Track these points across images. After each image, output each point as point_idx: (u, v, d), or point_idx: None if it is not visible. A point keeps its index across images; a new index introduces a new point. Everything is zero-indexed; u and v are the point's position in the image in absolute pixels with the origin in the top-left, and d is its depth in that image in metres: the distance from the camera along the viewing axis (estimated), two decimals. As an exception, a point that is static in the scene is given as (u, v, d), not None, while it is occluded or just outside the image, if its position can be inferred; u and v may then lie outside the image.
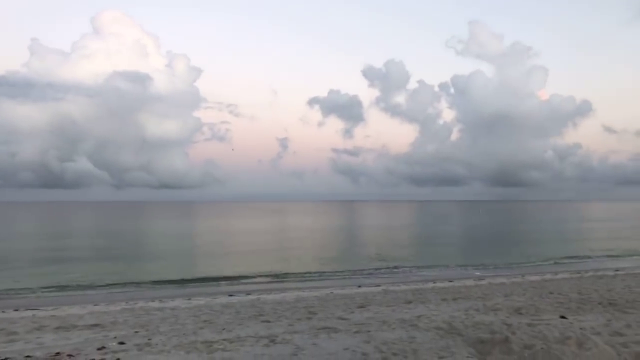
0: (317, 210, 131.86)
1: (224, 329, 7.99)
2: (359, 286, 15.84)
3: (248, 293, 15.06)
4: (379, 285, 15.73)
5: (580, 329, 7.06)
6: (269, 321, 8.59)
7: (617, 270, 17.98)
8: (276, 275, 20.04)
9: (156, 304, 12.40)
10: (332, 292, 13.32)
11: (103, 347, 6.82)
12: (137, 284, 18.35)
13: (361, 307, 9.93)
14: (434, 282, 16.43)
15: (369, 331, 7.31)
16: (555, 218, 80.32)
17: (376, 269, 21.99)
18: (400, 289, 13.51)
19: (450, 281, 16.80)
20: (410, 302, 10.29)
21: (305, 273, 20.69)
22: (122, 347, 6.86)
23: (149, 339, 7.30)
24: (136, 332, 8.02)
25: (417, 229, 54.79)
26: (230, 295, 14.43)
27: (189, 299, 13.52)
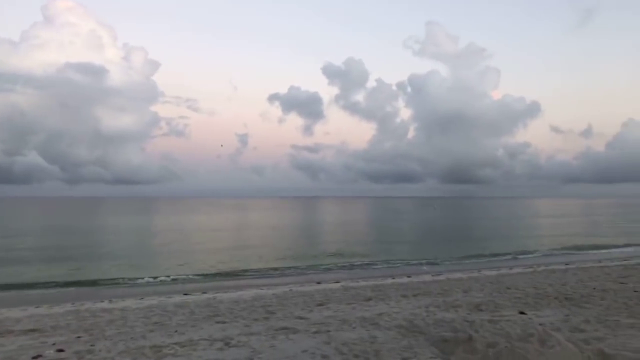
0: (276, 206, 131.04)
1: (175, 332, 7.50)
2: (319, 283, 15.59)
3: (204, 291, 14.50)
4: (338, 282, 15.54)
5: (540, 324, 7.05)
6: (224, 322, 8.16)
7: (567, 264, 18.57)
8: (234, 273, 19.50)
9: (105, 305, 11.69)
10: (291, 290, 12.99)
11: (39, 356, 6.20)
12: (87, 283, 17.38)
13: (320, 305, 9.66)
14: (393, 278, 16.40)
15: (328, 331, 7.04)
16: (507, 214, 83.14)
17: (335, 265, 21.85)
18: (359, 285, 13.34)
19: (409, 276, 16.83)
20: (370, 299, 10.10)
21: (264, 270, 20.28)
22: (61, 355, 6.27)
23: (92, 345, 6.72)
24: (78, 337, 7.40)
25: (375, 225, 55.28)
26: (185, 294, 13.83)
27: (141, 299, 12.85)
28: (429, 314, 8.15)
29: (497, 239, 35.33)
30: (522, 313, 8.00)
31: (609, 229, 45.61)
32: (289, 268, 20.73)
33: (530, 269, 16.42)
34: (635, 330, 6.67)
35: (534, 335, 5.95)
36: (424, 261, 22.76)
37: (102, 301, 12.68)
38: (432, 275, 16.54)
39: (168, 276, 18.57)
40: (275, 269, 20.60)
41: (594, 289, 10.38)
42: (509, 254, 25.28)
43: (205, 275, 18.87)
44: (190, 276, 18.70)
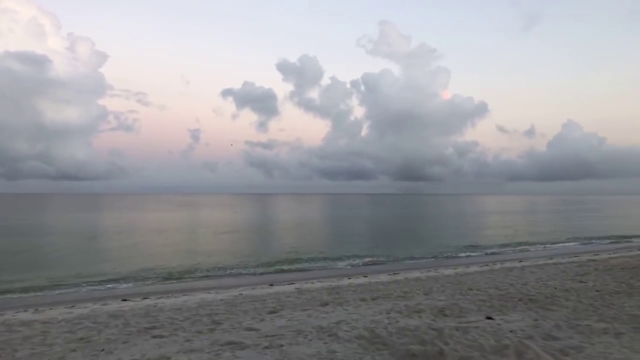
0: (229, 203, 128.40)
1: (102, 350, 6.43)
2: (271, 285, 14.72)
3: (145, 296, 13.30)
4: (293, 283, 14.74)
5: (511, 331, 6.53)
6: (162, 336, 7.14)
7: (521, 261, 18.65)
8: (180, 275, 18.23)
9: (27, 316, 10.33)
10: (241, 294, 12.04)
11: None
12: (15, 290, 15.64)
13: (273, 312, 8.80)
14: (349, 278, 15.78)
15: (281, 345, 6.20)
16: (457, 211, 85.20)
17: (289, 264, 21.01)
18: (315, 287, 12.58)
19: (365, 276, 16.27)
20: (327, 304, 9.34)
21: (213, 271, 19.14)
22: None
23: (-6, 372, 5.58)
24: (-20, 360, 6.20)
25: (329, 223, 54.83)
26: (124, 300, 12.60)
27: (72, 307, 11.53)
28: (391, 321, 7.48)
29: (450, 236, 35.66)
30: (489, 318, 7.47)
31: (553, 224, 47.30)
32: (240, 269, 19.70)
33: (487, 267, 16.27)
34: (609, 336, 6.25)
35: (510, 347, 5.38)
36: (381, 260, 22.34)
37: (25, 310, 11.28)
38: (389, 275, 16.05)
39: (107, 280, 17.10)
40: (225, 269, 19.49)
41: (555, 288, 10.10)
42: (464, 251, 25.39)
43: (148, 279, 17.51)
44: (132, 279, 17.31)
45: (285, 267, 20.41)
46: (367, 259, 22.35)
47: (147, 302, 11.71)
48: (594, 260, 16.35)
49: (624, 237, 33.06)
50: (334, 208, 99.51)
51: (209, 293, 13.28)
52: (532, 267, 15.14)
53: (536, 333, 6.42)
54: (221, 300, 11.00)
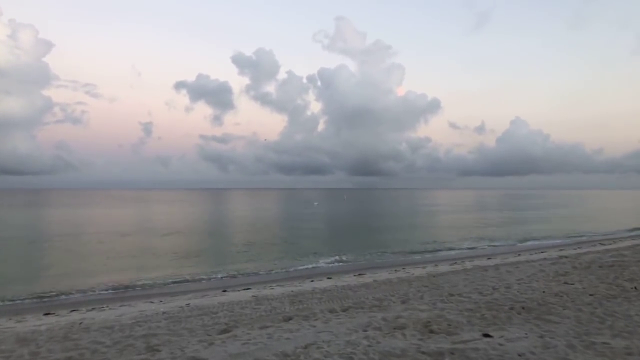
0: (181, 199, 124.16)
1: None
2: (224, 291, 13.08)
3: (74, 308, 11.35)
4: (249, 288, 13.17)
5: (520, 355, 5.32)
6: (77, 373, 5.46)
7: (489, 259, 17.88)
8: (120, 281, 16.17)
9: None
10: (188, 305, 10.35)
11: None
12: None
13: (225, 331, 7.23)
14: (312, 280, 14.38)
15: (235, 386, 4.69)
16: (413, 206, 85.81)
17: (244, 265, 19.37)
18: (274, 295, 11.07)
19: (329, 277, 14.93)
20: (290, 319, 7.86)
21: (159, 273, 17.20)
22: None
23: None
24: None
25: (287, 218, 53.30)
26: (47, 315, 10.63)
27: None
28: (371, 342, 6.11)
29: (410, 232, 35.01)
30: (486, 335, 6.26)
31: (505, 219, 47.87)
32: (190, 271, 17.84)
33: (459, 267, 15.27)
34: (636, 358, 5.16)
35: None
36: (343, 257, 21.08)
37: None
38: (355, 276, 14.77)
39: (33, 292, 14.85)
40: (173, 273, 17.58)
41: (544, 292, 9.08)
42: (426, 248, 24.57)
43: (82, 288, 15.35)
44: (65, 288, 15.14)
45: (239, 267, 18.75)
46: (329, 258, 21.04)
47: (74, 316, 9.82)
48: (565, 257, 15.71)
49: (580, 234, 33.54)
50: (291, 203, 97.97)
51: (152, 302, 11.50)
52: (506, 265, 14.25)
53: (551, 357, 5.23)
54: (164, 313, 9.29)
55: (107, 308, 10.93)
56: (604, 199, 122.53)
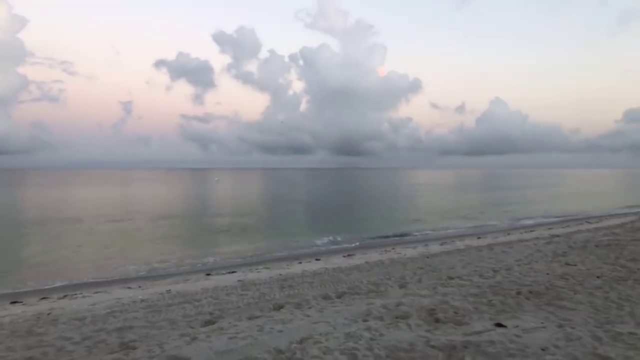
0: (163, 179, 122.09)
1: None
2: (208, 274, 12.38)
3: (45, 296, 10.53)
4: (234, 272, 12.48)
5: (543, 350, 4.76)
6: (38, 377, 4.71)
7: (479, 238, 17.49)
8: (99, 262, 15.30)
9: None
10: (169, 291, 9.61)
11: None
12: None
13: (210, 323, 6.54)
14: (300, 262, 13.77)
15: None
16: (396, 185, 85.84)
17: (228, 246, 18.65)
18: (262, 279, 10.41)
19: (318, 259, 14.33)
20: (281, 307, 7.21)
21: (138, 261, 16.33)
22: None
23: None
24: None
25: (271, 199, 52.56)
26: (14, 303, 9.82)
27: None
28: (374, 334, 5.49)
29: (395, 212, 34.65)
30: (499, 325, 5.69)
31: (489, 198, 47.97)
32: (172, 258, 17.00)
33: (451, 247, 14.80)
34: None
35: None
36: (330, 237, 20.51)
37: None
38: (345, 257, 14.20)
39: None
40: (154, 254, 16.76)
41: (548, 274, 8.60)
42: (412, 227, 24.15)
43: (57, 275, 14.47)
44: (31, 274, 14.22)
45: (224, 250, 18.03)
46: (317, 239, 20.45)
47: (43, 305, 9.02)
48: (558, 236, 15.39)
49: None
50: (275, 183, 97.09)
51: (130, 288, 10.74)
52: (499, 245, 13.81)
53: (578, 352, 4.67)
54: (142, 301, 8.55)
55: (80, 295, 10.13)
56: (582, 179, 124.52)
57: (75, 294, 10.35)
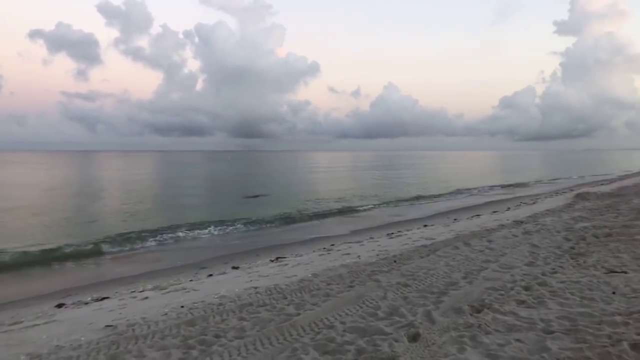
0: (39, 162, 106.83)
1: None
2: (59, 305, 7.73)
3: None
4: (106, 297, 7.96)
5: None
6: None
7: (425, 226, 14.58)
8: None
9: None
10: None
11: None
12: None
13: None
14: (211, 275, 9.63)
15: None
16: (300, 168, 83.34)
17: (119, 245, 13.83)
18: (148, 318, 6.14)
19: (236, 267, 10.30)
20: None
21: None
22: None
23: None
24: None
25: (163, 185, 46.44)
26: None
27: None
28: None
29: (305, 194, 31.36)
30: None
31: (389, 179, 47.00)
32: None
33: (408, 245, 11.39)
34: None
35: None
36: (242, 222, 16.46)
37: None
38: (272, 262, 10.31)
39: None
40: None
41: (614, 293, 5.53)
42: (335, 215, 20.77)
43: None
44: None
45: (111, 249, 13.29)
46: (223, 230, 16.31)
47: None
48: (521, 222, 12.85)
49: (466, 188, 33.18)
50: (170, 166, 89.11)
51: None
52: (469, 237, 10.68)
53: None
54: None
55: None
56: (471, 159, 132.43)
57: None
